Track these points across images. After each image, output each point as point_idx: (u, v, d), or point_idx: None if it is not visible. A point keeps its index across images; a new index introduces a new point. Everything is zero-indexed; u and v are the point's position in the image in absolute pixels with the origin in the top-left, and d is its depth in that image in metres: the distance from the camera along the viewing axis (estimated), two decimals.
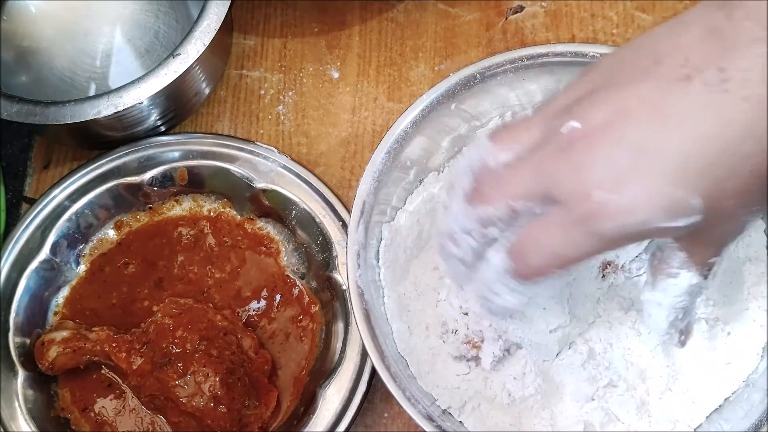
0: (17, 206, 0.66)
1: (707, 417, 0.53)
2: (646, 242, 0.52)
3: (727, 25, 0.38)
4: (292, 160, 0.64)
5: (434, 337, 0.55)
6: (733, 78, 0.37)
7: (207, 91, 0.68)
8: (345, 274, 0.55)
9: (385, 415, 0.59)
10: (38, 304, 0.61)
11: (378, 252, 0.56)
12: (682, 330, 0.47)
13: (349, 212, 0.57)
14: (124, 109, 0.60)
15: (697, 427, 0.53)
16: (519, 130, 0.44)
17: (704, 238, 0.41)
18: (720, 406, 0.54)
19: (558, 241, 0.41)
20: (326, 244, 0.60)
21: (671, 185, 0.38)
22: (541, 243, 0.41)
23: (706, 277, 0.43)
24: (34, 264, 0.60)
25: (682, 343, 0.48)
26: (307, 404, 0.57)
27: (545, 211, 0.41)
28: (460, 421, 0.53)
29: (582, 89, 0.42)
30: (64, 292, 0.63)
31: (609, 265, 0.55)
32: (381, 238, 0.57)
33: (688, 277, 0.43)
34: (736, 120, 0.37)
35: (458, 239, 0.45)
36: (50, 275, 0.61)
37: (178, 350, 0.56)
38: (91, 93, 0.67)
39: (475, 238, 0.44)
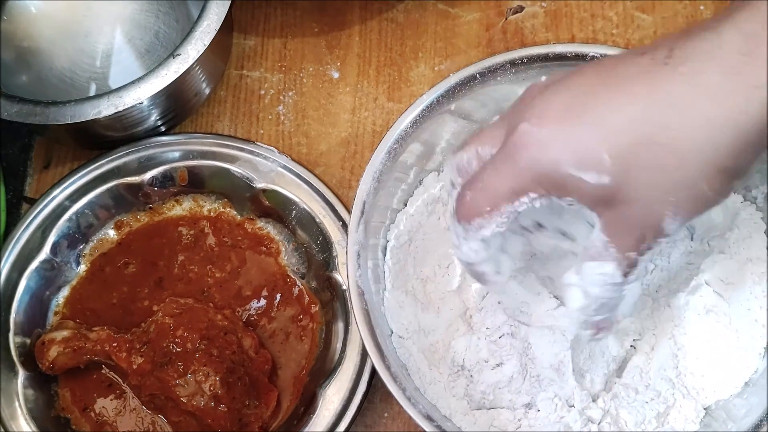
0: (17, 206, 0.66)
1: (707, 416, 0.53)
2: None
3: (699, 23, 0.41)
4: (292, 160, 0.64)
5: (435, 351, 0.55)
6: (676, 55, 0.40)
7: (207, 91, 0.68)
8: (345, 274, 0.55)
9: (385, 415, 0.59)
10: (38, 304, 0.61)
11: (386, 248, 0.57)
12: (597, 324, 0.46)
13: (349, 212, 0.57)
14: (124, 109, 0.60)
15: (698, 427, 0.53)
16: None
17: (622, 218, 0.41)
18: (720, 405, 0.54)
19: (489, 176, 0.43)
20: (326, 244, 0.61)
21: (587, 135, 0.40)
22: (476, 182, 0.44)
23: (626, 275, 0.43)
24: (35, 264, 0.61)
25: (594, 336, 0.47)
26: (307, 404, 0.57)
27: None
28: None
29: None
30: (65, 292, 0.63)
31: None
32: (387, 240, 0.57)
33: (607, 266, 0.43)
34: (666, 90, 0.39)
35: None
36: (50, 275, 0.62)
37: (178, 349, 0.56)
38: (92, 93, 0.67)
39: (481, 250, 0.47)
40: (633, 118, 0.39)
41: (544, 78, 0.45)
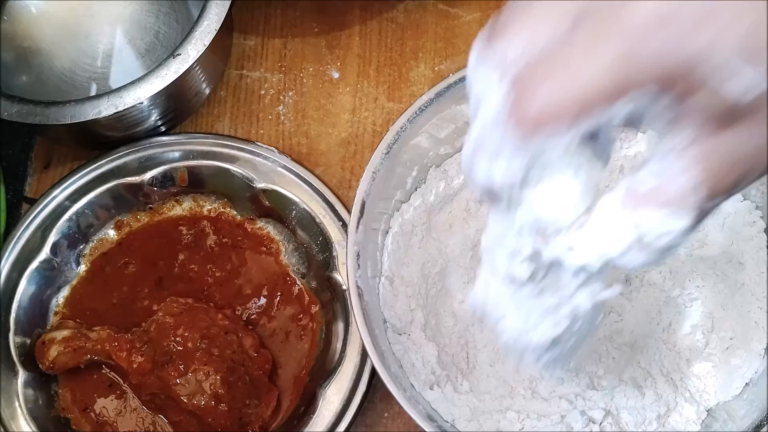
0: (17, 206, 0.66)
1: (708, 416, 0.53)
2: None
3: None
4: (292, 160, 0.64)
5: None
6: None
7: (207, 91, 0.68)
8: (345, 274, 0.55)
9: (385, 415, 0.59)
10: (39, 304, 0.61)
11: (386, 234, 0.57)
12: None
13: (349, 212, 0.57)
14: (124, 109, 0.60)
15: (699, 427, 0.53)
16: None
17: (735, 146, 0.30)
18: (721, 406, 0.54)
19: (578, 62, 0.29)
20: (326, 244, 0.61)
21: (757, 21, 0.27)
22: (555, 69, 0.29)
23: (696, 223, 0.31)
24: (35, 264, 0.61)
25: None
26: (307, 404, 0.57)
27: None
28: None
29: None
30: (65, 292, 0.63)
31: None
32: (390, 227, 0.58)
33: (682, 218, 0.31)
34: None
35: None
36: (51, 275, 0.62)
37: (179, 349, 0.56)
38: (92, 93, 0.67)
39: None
40: None
41: None
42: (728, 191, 0.31)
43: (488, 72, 0.31)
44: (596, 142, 0.33)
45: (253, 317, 0.61)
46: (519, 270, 0.36)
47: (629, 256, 0.32)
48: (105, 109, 0.60)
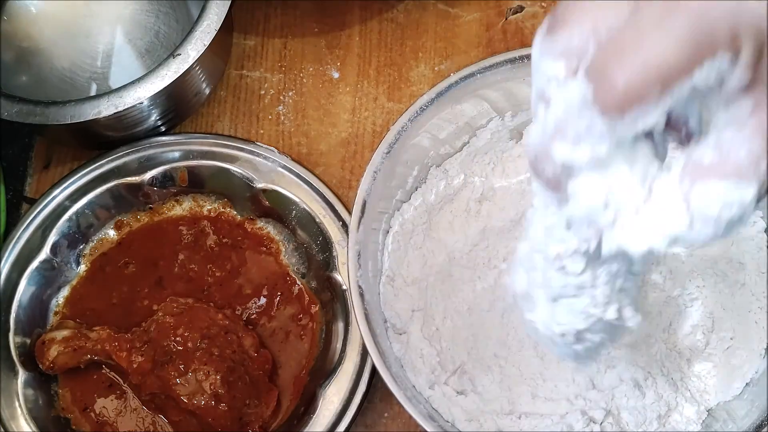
0: (17, 206, 0.66)
1: (708, 416, 0.54)
2: None
3: None
4: (292, 160, 0.64)
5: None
6: None
7: (207, 91, 0.68)
8: (345, 274, 0.55)
9: (385, 415, 0.59)
10: (39, 304, 0.61)
11: (387, 232, 0.57)
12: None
13: (349, 212, 0.57)
14: (124, 109, 0.60)
15: (699, 427, 0.53)
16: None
17: None
18: (721, 406, 0.54)
19: (651, 42, 0.29)
20: (326, 244, 0.61)
21: None
22: (629, 54, 0.30)
23: (761, 194, 0.31)
24: (35, 264, 0.60)
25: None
26: (307, 404, 0.57)
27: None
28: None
29: None
30: (65, 292, 0.63)
31: None
32: (390, 226, 0.58)
33: (746, 189, 0.31)
34: None
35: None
36: (50, 275, 0.61)
37: (179, 348, 0.56)
38: (92, 93, 0.67)
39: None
40: None
41: None
42: None
43: (553, 62, 0.32)
44: (652, 141, 0.34)
45: (253, 317, 0.61)
46: (572, 265, 0.37)
47: (696, 231, 0.32)
48: (105, 109, 0.60)
